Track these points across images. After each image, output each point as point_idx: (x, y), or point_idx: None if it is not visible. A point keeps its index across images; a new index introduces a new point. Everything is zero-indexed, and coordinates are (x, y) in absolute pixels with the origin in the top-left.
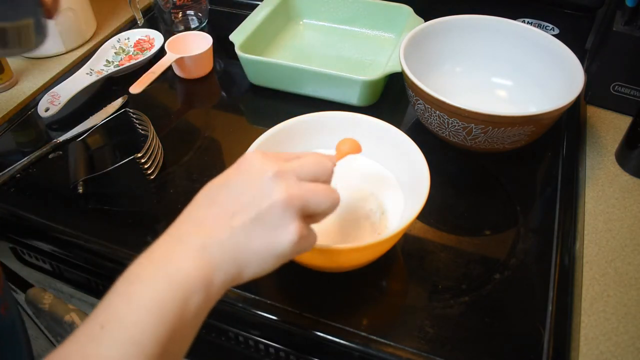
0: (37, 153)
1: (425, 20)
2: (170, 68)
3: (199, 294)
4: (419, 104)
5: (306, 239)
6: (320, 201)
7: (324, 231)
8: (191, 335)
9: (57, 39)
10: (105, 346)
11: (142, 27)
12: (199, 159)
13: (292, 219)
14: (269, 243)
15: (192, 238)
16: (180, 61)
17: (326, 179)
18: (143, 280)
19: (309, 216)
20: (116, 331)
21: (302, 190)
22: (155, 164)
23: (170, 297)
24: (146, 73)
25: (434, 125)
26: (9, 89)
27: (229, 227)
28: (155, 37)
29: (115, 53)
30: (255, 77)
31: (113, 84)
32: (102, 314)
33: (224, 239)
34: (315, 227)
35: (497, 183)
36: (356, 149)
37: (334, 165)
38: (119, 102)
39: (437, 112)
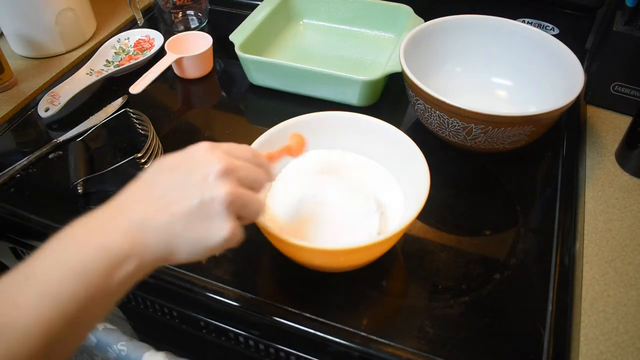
0: (37, 153)
1: (425, 20)
2: (170, 68)
3: (125, 268)
4: (419, 104)
5: (237, 237)
6: (254, 209)
7: (325, 231)
8: (111, 303)
9: (57, 39)
10: (24, 295)
11: (142, 27)
12: None
13: (229, 217)
14: (203, 235)
15: (131, 214)
16: (180, 61)
17: (259, 189)
18: (76, 243)
19: (239, 218)
20: (38, 283)
21: (243, 195)
22: None
23: (95, 264)
24: (146, 73)
25: (434, 125)
26: (9, 89)
27: (169, 213)
28: (155, 37)
29: (115, 53)
30: (255, 77)
31: (113, 84)
32: (30, 266)
33: (162, 222)
34: (315, 227)
35: (497, 183)
36: (297, 151)
37: (270, 178)
38: (119, 102)
39: (437, 112)
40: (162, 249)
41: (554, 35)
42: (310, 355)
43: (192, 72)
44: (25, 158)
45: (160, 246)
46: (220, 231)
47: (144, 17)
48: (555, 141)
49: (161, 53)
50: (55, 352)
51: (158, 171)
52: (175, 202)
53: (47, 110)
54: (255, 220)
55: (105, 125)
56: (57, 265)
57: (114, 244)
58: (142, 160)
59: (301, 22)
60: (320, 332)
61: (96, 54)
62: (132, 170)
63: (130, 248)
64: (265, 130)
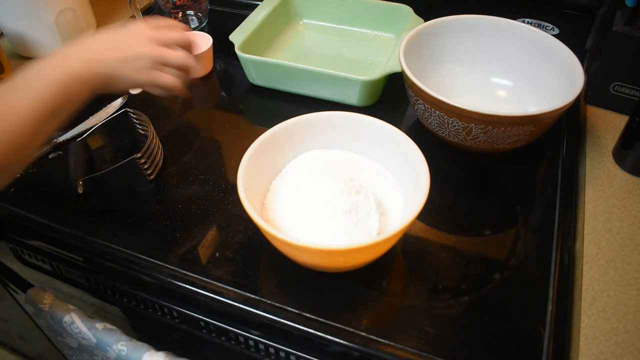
0: (37, 153)
1: (425, 20)
2: None
3: (82, 84)
4: (419, 104)
5: (162, 77)
6: (173, 57)
7: (324, 231)
8: (67, 113)
9: (57, 39)
10: (17, 95)
11: None
12: (198, 159)
13: (151, 67)
14: (134, 75)
15: (86, 53)
16: None
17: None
18: (50, 66)
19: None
20: (25, 91)
21: (164, 52)
22: (155, 164)
23: (63, 80)
24: None
25: (434, 125)
26: None
27: (113, 57)
28: None
29: None
30: (255, 77)
31: None
32: (17, 81)
33: (108, 60)
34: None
35: (497, 183)
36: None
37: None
38: (119, 102)
39: (437, 112)
40: (105, 78)
41: (554, 35)
42: (310, 355)
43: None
44: None
45: (104, 77)
46: (145, 74)
47: (144, 17)
48: (555, 141)
49: None
50: (36, 140)
51: (102, 33)
52: (117, 50)
53: None
54: (255, 220)
55: (105, 125)
56: (38, 80)
57: (78, 68)
58: (142, 161)
59: (301, 22)
60: (320, 332)
61: None
62: (132, 171)
63: (86, 72)
64: (265, 130)
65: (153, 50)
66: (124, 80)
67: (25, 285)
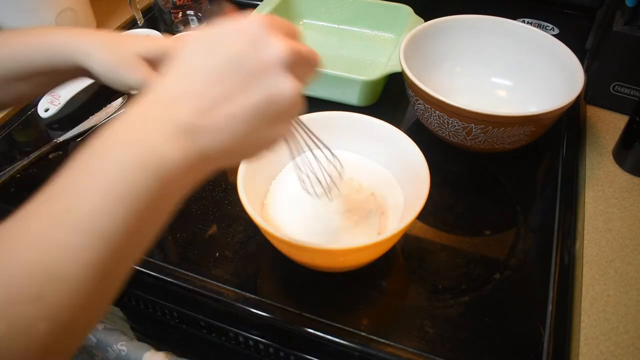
0: (37, 153)
1: (425, 20)
2: None
3: (181, 185)
4: (418, 104)
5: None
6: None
7: (324, 231)
8: (161, 222)
9: None
10: (69, 233)
11: (142, 27)
12: None
13: (290, 78)
14: (267, 136)
15: (177, 116)
16: None
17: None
18: (117, 162)
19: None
20: (82, 219)
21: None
22: None
23: (145, 189)
24: None
25: (434, 125)
26: None
27: (230, 116)
28: None
29: None
30: None
31: None
32: (69, 194)
33: (215, 126)
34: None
35: (497, 183)
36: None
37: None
38: (119, 102)
39: (437, 112)
40: (217, 158)
41: (554, 35)
42: (310, 355)
43: None
44: (25, 158)
45: (216, 154)
46: (284, 127)
47: (144, 17)
48: (555, 141)
49: None
50: (108, 292)
51: (199, 51)
52: (233, 97)
53: (47, 110)
54: (255, 220)
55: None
56: (98, 193)
57: (163, 159)
58: None
59: (301, 22)
60: (320, 332)
61: None
62: None
63: (182, 160)
64: None
65: (298, 89)
66: (247, 152)
67: None
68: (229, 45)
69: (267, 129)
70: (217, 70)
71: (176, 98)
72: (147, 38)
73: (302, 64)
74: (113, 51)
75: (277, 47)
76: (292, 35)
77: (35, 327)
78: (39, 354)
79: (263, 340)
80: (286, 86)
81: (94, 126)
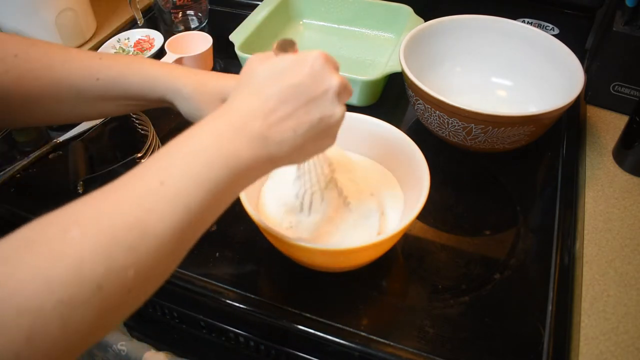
0: (37, 153)
1: (425, 20)
2: None
3: (247, 178)
4: (418, 104)
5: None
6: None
7: (324, 231)
8: (226, 206)
9: (57, 39)
10: (159, 202)
11: (142, 27)
12: None
13: (340, 106)
14: (319, 147)
15: (255, 128)
16: (180, 61)
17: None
18: (205, 155)
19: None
20: (172, 191)
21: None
22: None
23: (223, 178)
24: None
25: (434, 125)
26: None
27: (292, 130)
28: (155, 37)
29: (115, 53)
30: None
31: None
32: (162, 169)
33: (283, 138)
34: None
35: (497, 183)
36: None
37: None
38: None
39: (437, 112)
40: (279, 159)
41: (554, 35)
42: (310, 355)
43: None
44: (25, 158)
45: (280, 158)
46: (330, 141)
47: (144, 17)
48: (555, 141)
49: (161, 53)
50: (179, 255)
51: (270, 76)
52: (298, 119)
53: None
54: (255, 220)
55: (105, 125)
56: (188, 175)
57: (239, 158)
58: (142, 161)
59: (301, 22)
60: (320, 332)
61: None
62: None
63: (253, 160)
64: None
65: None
66: (301, 157)
67: None
68: (295, 74)
69: (318, 142)
70: (285, 93)
71: (252, 112)
72: (231, 78)
73: (345, 93)
74: (201, 93)
75: (333, 80)
76: (337, 68)
77: (125, 271)
78: (125, 293)
79: (263, 340)
80: (337, 110)
81: (94, 126)
